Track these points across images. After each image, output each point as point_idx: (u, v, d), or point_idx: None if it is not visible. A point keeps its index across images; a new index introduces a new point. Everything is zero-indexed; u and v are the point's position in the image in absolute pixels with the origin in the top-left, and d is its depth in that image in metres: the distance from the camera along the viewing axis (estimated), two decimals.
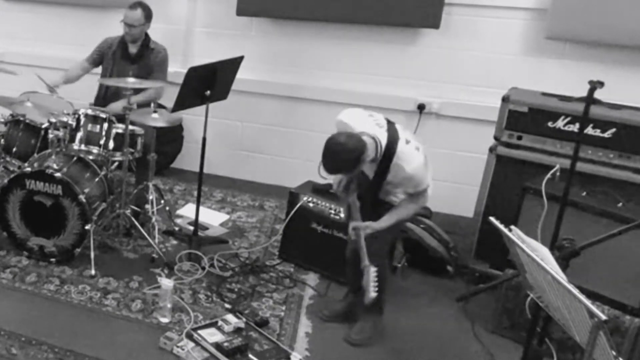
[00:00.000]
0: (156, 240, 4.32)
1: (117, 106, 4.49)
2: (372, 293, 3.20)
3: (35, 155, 4.37)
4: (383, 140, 3.24)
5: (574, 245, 2.40)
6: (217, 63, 4.13)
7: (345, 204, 3.58)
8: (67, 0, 5.83)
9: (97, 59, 4.89)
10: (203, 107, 4.15)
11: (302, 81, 5.31)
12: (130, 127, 4.21)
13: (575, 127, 3.78)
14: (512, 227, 2.43)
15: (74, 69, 4.90)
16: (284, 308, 3.85)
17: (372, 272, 3.22)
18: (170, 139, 5.56)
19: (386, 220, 3.34)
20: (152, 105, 4.37)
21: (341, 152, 3.14)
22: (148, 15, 4.70)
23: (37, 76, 4.59)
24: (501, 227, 2.44)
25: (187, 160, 5.72)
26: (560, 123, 3.86)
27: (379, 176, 3.31)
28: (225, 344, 3.34)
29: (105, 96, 4.84)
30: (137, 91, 4.64)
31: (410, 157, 3.24)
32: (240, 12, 5.24)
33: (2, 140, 4.45)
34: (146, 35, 4.78)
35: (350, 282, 3.77)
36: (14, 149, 4.44)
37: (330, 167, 3.21)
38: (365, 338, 3.59)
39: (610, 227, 2.71)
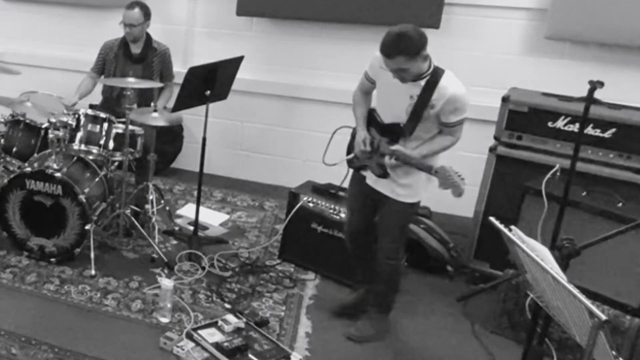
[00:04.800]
0: (156, 240, 4.32)
1: (161, 103, 4.65)
2: (462, 185, 3.09)
3: (35, 155, 4.37)
4: (434, 62, 3.23)
5: (574, 245, 2.40)
6: (217, 63, 4.13)
7: (369, 165, 3.46)
8: (67, 0, 5.83)
9: (103, 65, 4.86)
10: (203, 107, 4.15)
11: (302, 81, 5.31)
12: (130, 127, 4.21)
13: (575, 127, 3.78)
14: (512, 227, 2.43)
15: (85, 82, 4.85)
16: (284, 308, 3.86)
17: (447, 169, 3.12)
18: (170, 139, 5.56)
19: (422, 150, 3.28)
20: (152, 105, 4.38)
21: (408, 32, 3.08)
22: (147, 13, 4.69)
23: (59, 100, 4.58)
24: (501, 227, 2.44)
25: (187, 160, 5.71)
26: (560, 123, 3.86)
27: (422, 98, 3.20)
28: (225, 344, 3.34)
29: (111, 97, 4.83)
30: (140, 91, 4.64)
31: (458, 81, 3.22)
32: (240, 12, 5.25)
33: (2, 140, 4.45)
34: (147, 35, 4.77)
35: (355, 270, 3.76)
36: (14, 149, 4.43)
37: (394, 46, 3.07)
38: (367, 336, 3.59)
39: (610, 227, 2.71)
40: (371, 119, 3.45)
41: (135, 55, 4.76)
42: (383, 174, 3.38)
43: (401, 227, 3.50)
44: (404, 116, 3.27)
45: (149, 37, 4.78)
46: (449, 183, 3.11)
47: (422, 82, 3.20)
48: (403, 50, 3.08)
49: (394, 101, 3.30)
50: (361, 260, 3.70)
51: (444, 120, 3.23)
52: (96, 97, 4.98)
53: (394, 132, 3.32)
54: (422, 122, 3.25)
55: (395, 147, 3.28)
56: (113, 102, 4.78)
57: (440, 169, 3.14)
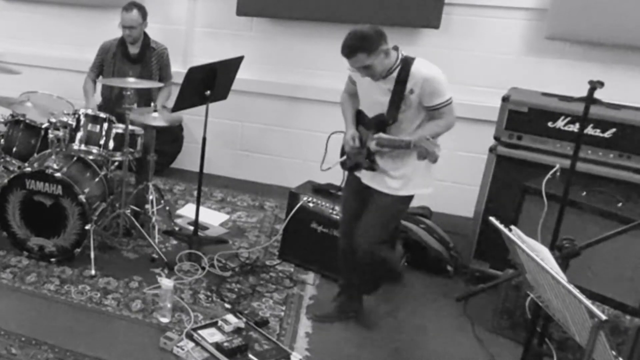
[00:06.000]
0: (156, 240, 4.32)
1: (160, 102, 4.61)
2: (437, 151, 3.11)
3: (35, 155, 4.37)
4: (403, 52, 3.27)
5: (574, 245, 2.40)
6: (217, 63, 4.13)
7: (360, 161, 3.47)
8: (67, 0, 5.83)
9: (101, 66, 4.85)
10: (203, 107, 4.15)
11: (302, 81, 5.31)
12: (130, 127, 4.21)
13: (575, 127, 3.78)
14: (512, 227, 2.43)
15: (90, 84, 4.85)
16: (284, 308, 3.86)
17: (422, 139, 3.14)
18: (170, 139, 5.56)
19: (412, 137, 3.24)
20: (152, 105, 4.38)
21: (363, 30, 3.19)
22: (144, 14, 4.70)
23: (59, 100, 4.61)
24: (501, 227, 2.44)
25: (187, 160, 5.72)
26: (560, 123, 3.86)
27: (398, 87, 3.24)
28: (225, 344, 3.34)
29: (110, 98, 4.84)
30: (139, 91, 4.64)
31: (429, 64, 3.25)
32: (240, 12, 5.25)
33: (2, 140, 4.45)
34: (145, 34, 4.77)
35: (344, 275, 3.77)
36: (14, 149, 4.44)
37: (351, 45, 3.19)
38: (326, 315, 3.72)
39: (610, 227, 2.71)
40: (359, 119, 3.48)
41: (133, 55, 4.76)
42: (372, 166, 3.40)
43: (385, 220, 3.46)
44: (385, 108, 3.31)
45: (146, 37, 4.78)
46: (425, 152, 3.13)
47: (394, 74, 3.24)
48: (360, 47, 3.17)
49: (374, 98, 3.34)
50: (354, 263, 3.68)
51: (428, 104, 3.24)
52: (96, 98, 4.98)
53: (379, 124, 3.34)
54: (405, 111, 3.27)
55: (378, 134, 3.30)
56: (112, 102, 4.78)
57: (416, 140, 3.17)
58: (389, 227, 3.54)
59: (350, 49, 3.20)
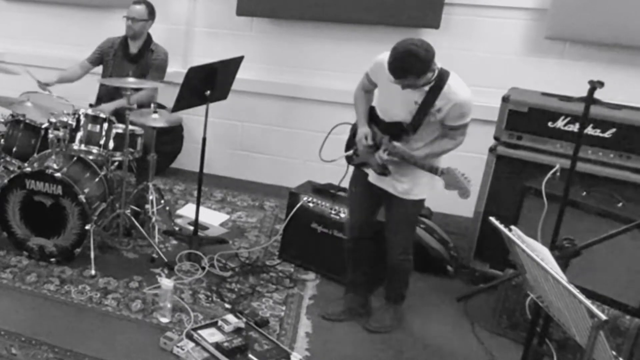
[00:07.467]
0: (156, 240, 4.32)
1: (108, 107, 4.51)
2: (469, 187, 3.06)
3: (35, 155, 4.37)
4: (438, 64, 3.16)
5: (574, 245, 2.40)
6: (217, 63, 4.13)
7: (371, 162, 3.43)
8: (67, 0, 5.83)
9: (98, 58, 4.87)
10: (203, 107, 4.15)
11: (302, 81, 5.31)
12: (130, 127, 4.21)
13: (575, 127, 3.78)
14: (512, 227, 2.43)
15: (73, 69, 4.89)
16: (284, 308, 3.86)
17: (453, 170, 3.10)
18: (170, 139, 5.56)
19: (423, 151, 3.27)
20: (152, 105, 4.38)
21: (418, 51, 2.98)
22: (151, 12, 4.71)
23: (27, 72, 4.57)
24: (501, 227, 2.44)
25: (187, 160, 5.72)
26: (560, 123, 3.86)
27: (426, 103, 3.17)
28: (225, 344, 3.34)
29: (107, 98, 4.83)
30: (136, 91, 4.64)
31: (463, 85, 3.19)
32: (240, 12, 5.25)
33: (2, 140, 4.45)
34: (149, 35, 4.77)
35: (351, 272, 3.77)
36: (14, 149, 4.43)
37: (402, 67, 3.01)
38: (386, 326, 3.66)
39: (610, 227, 2.71)
40: (372, 116, 3.46)
41: (132, 54, 4.76)
42: (383, 172, 3.39)
43: (409, 224, 3.54)
44: (407, 118, 3.27)
45: (149, 38, 4.77)
46: (456, 185, 3.12)
47: (426, 88, 3.17)
48: (413, 71, 3.04)
49: (396, 104, 3.30)
50: (361, 261, 3.70)
51: (449, 123, 3.23)
52: (91, 94, 4.96)
53: (396, 131, 3.32)
54: (426, 125, 3.26)
55: (397, 144, 3.28)
56: (100, 101, 4.78)
57: (447, 170, 3.15)
58: (412, 227, 3.62)
59: (402, 71, 3.04)
